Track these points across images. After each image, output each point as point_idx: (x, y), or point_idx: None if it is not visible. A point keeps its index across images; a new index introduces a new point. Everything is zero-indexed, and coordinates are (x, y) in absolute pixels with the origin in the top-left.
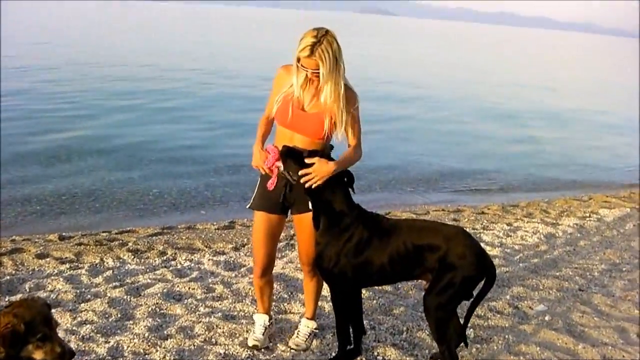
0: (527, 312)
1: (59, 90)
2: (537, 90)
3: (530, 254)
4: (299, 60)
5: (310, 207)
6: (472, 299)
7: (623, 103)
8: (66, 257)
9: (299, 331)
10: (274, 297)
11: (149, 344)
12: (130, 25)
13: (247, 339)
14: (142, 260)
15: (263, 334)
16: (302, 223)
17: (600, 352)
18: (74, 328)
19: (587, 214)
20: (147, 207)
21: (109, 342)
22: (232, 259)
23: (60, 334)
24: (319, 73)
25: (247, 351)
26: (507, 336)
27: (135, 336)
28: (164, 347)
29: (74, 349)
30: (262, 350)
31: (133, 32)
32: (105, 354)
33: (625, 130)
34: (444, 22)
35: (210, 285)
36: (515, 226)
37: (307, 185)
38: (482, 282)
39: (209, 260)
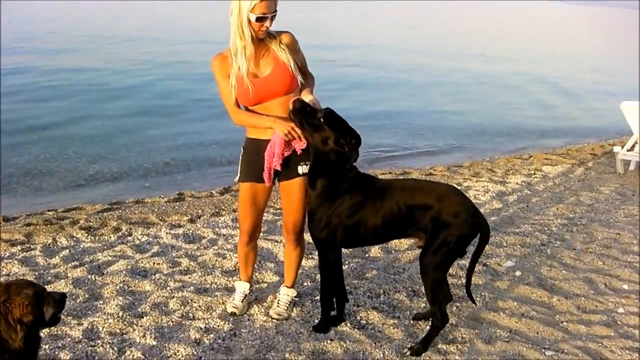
0: (497, 268)
1: None
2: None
3: (486, 212)
4: (249, 17)
5: (303, 170)
6: (470, 259)
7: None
8: (16, 239)
9: (279, 300)
10: None
11: (125, 323)
12: None
13: (225, 310)
14: (97, 237)
15: (242, 301)
16: (291, 189)
17: (574, 303)
18: None
19: (532, 172)
20: (88, 183)
21: (82, 324)
22: (190, 231)
23: None
24: (274, 15)
25: (228, 324)
26: (483, 293)
27: (108, 316)
28: (141, 326)
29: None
30: (244, 322)
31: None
32: (80, 337)
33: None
34: None
35: (175, 259)
36: (466, 186)
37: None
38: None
39: (166, 233)
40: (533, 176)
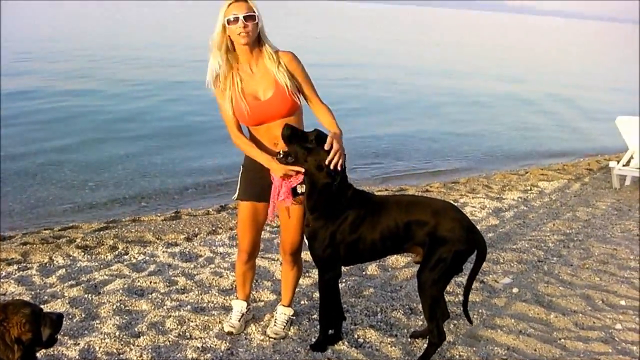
0: (494, 285)
1: None
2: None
3: (482, 228)
4: (227, 22)
5: (302, 190)
6: (467, 277)
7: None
8: (12, 258)
9: (276, 319)
10: None
11: (122, 342)
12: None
13: (222, 330)
14: (94, 256)
15: (239, 320)
16: (289, 208)
17: (572, 319)
18: None
19: (529, 187)
20: (85, 201)
21: (79, 344)
22: (187, 249)
23: None
24: (253, 16)
25: (225, 343)
26: (480, 310)
27: (105, 336)
28: (137, 345)
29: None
30: (242, 341)
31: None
32: (77, 357)
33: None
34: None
35: (172, 278)
36: (462, 202)
37: (339, 164)
38: (474, 257)
39: (163, 252)
40: (529, 192)
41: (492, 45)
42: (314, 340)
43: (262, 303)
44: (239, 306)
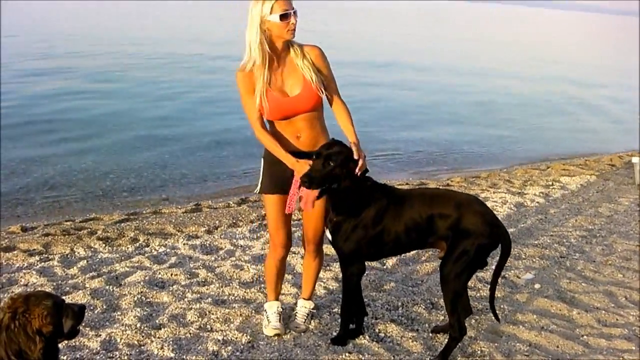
0: (516, 281)
1: None
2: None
3: (504, 223)
4: (271, 14)
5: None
6: (492, 273)
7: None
8: (34, 249)
9: (296, 313)
10: (259, 280)
11: (143, 334)
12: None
13: (242, 322)
14: (115, 248)
15: (279, 321)
16: None
17: (595, 316)
18: None
19: (550, 182)
20: (105, 193)
21: (100, 335)
22: (208, 242)
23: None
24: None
25: (246, 336)
26: (502, 306)
27: (126, 327)
28: (159, 337)
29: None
30: (262, 334)
31: None
32: (98, 348)
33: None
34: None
35: (193, 270)
36: (483, 197)
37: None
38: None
39: (184, 244)
40: (551, 187)
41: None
42: (334, 333)
43: (283, 296)
44: (274, 307)
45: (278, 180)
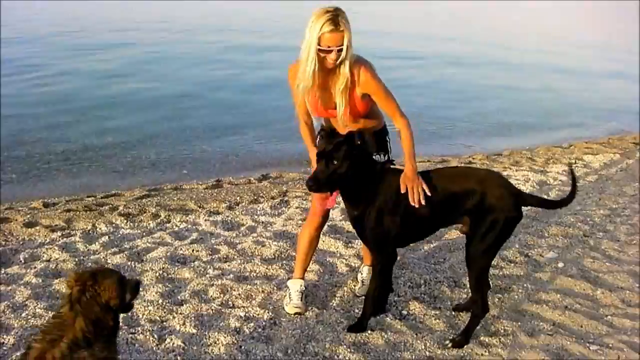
0: (539, 259)
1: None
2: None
3: None
4: (319, 42)
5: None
6: None
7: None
8: (56, 225)
9: (363, 280)
10: (281, 256)
11: (165, 310)
12: None
13: (264, 299)
14: (136, 224)
15: (301, 299)
16: None
17: (619, 296)
18: None
19: (573, 161)
20: (126, 169)
21: None
22: (229, 218)
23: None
24: (340, 49)
25: (268, 313)
26: (525, 285)
27: (148, 303)
28: (180, 313)
29: None
30: (284, 311)
31: None
32: (120, 324)
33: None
34: None
35: (214, 246)
36: (506, 175)
37: (421, 199)
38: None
39: (205, 220)
40: (574, 165)
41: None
42: (357, 311)
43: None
44: (297, 285)
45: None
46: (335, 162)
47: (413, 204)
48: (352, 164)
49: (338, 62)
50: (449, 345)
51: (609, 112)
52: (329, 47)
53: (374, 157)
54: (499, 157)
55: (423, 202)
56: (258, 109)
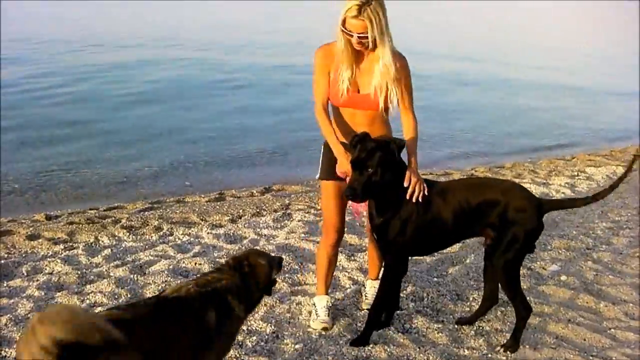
0: (542, 272)
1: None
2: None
3: None
4: (344, 23)
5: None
6: None
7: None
8: (59, 238)
9: (366, 294)
10: (284, 269)
11: None
12: None
13: (267, 312)
14: (139, 236)
15: (328, 316)
16: None
17: (622, 309)
18: None
19: (576, 173)
20: (129, 181)
21: None
22: (232, 231)
23: None
24: (365, 37)
25: (270, 326)
26: (528, 298)
27: None
28: None
29: None
30: (287, 324)
31: None
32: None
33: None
34: None
35: (216, 259)
36: None
37: (420, 194)
38: None
39: (207, 233)
40: (576, 177)
41: None
42: (359, 324)
43: (308, 287)
44: (323, 301)
45: (334, 166)
46: (370, 170)
47: (414, 199)
48: (386, 170)
49: (364, 47)
50: (501, 351)
51: (611, 124)
52: (350, 31)
53: None
54: (501, 170)
55: (420, 199)
56: (260, 122)
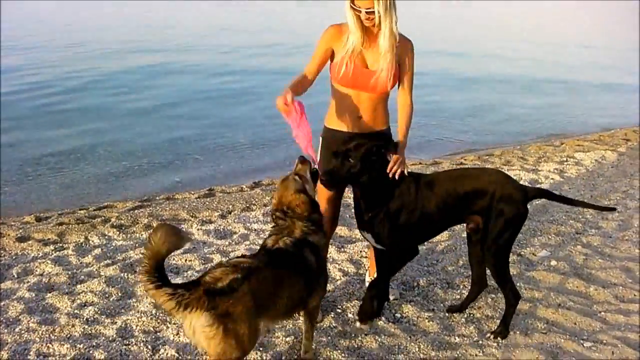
0: (531, 258)
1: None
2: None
3: None
4: (352, 0)
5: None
6: None
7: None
8: (49, 239)
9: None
10: None
11: (159, 321)
12: None
13: None
14: (129, 235)
15: None
16: None
17: (612, 292)
18: (75, 311)
19: (565, 159)
20: (118, 179)
21: (116, 322)
22: (222, 227)
23: (62, 318)
24: (373, 12)
25: None
26: (518, 283)
27: (142, 314)
28: (174, 323)
29: (79, 333)
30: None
31: None
32: (114, 336)
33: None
34: None
35: (207, 255)
36: None
37: (398, 172)
38: None
39: (198, 230)
40: (565, 163)
41: None
42: (350, 316)
43: None
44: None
45: (330, 159)
46: (351, 161)
47: (389, 171)
48: (368, 167)
49: (373, 24)
50: (491, 337)
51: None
52: (359, 7)
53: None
54: (490, 158)
55: (397, 176)
56: (247, 117)
